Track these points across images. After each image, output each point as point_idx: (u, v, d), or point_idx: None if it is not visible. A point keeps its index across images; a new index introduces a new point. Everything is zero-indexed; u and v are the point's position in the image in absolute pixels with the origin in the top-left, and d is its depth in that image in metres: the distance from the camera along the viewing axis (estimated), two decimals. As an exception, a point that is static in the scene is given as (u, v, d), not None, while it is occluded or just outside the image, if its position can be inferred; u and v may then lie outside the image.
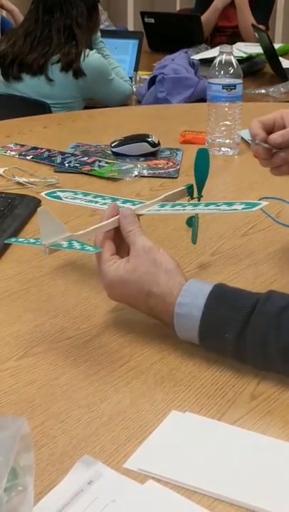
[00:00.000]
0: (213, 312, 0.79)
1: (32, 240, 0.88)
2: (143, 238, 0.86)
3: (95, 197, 1.01)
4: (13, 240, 1.03)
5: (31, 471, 0.56)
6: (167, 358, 0.83)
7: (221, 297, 0.80)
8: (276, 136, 0.97)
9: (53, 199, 1.03)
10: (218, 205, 0.94)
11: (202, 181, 1.01)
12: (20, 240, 0.98)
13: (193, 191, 1.01)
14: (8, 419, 0.58)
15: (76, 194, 1.03)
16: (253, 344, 0.77)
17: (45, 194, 1.05)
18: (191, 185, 1.00)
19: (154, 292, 0.82)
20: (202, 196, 1.01)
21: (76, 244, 0.84)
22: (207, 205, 0.95)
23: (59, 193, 1.03)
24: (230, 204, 0.93)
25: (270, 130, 0.99)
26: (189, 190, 1.00)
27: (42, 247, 0.83)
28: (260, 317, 0.77)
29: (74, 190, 1.06)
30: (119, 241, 0.88)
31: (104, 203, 0.98)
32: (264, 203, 0.93)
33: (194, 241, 1.06)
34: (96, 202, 1.00)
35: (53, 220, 0.84)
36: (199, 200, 1.01)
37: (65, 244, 0.84)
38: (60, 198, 1.02)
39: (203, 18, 3.70)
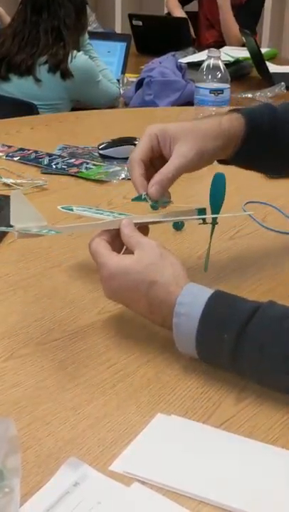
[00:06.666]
0: (213, 311, 0.78)
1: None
2: (148, 238, 0.87)
3: (103, 212, 0.99)
4: None
5: (18, 473, 0.56)
6: (153, 360, 0.84)
7: (223, 299, 0.80)
8: (154, 191, 0.92)
9: (66, 211, 1.01)
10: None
11: (218, 207, 0.97)
12: None
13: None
14: (-5, 420, 0.58)
15: (90, 208, 1.02)
16: (251, 346, 0.76)
17: (61, 207, 1.01)
18: (204, 209, 0.97)
19: (158, 281, 0.81)
20: (218, 223, 0.98)
21: (45, 230, 0.84)
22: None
23: (73, 207, 1.02)
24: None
25: (150, 163, 0.94)
26: (201, 213, 0.97)
27: (12, 230, 0.83)
28: (261, 320, 0.77)
29: (90, 206, 1.03)
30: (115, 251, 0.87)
31: (110, 214, 0.97)
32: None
33: (206, 268, 1.01)
34: (102, 213, 0.98)
35: (27, 206, 0.84)
36: (214, 226, 0.98)
37: (35, 229, 0.84)
38: (72, 210, 1.00)
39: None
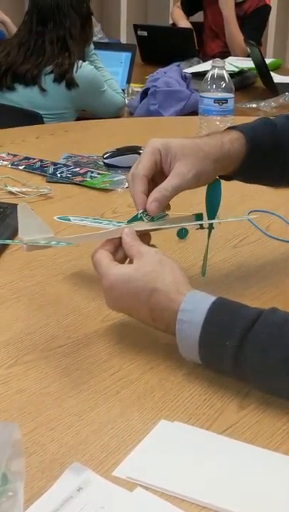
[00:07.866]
0: (215, 318, 0.79)
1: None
2: (148, 247, 0.87)
3: (102, 221, 1.00)
4: None
5: (22, 477, 0.56)
6: (156, 368, 0.84)
7: (225, 306, 0.81)
8: (154, 207, 0.92)
9: (63, 221, 1.01)
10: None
11: (214, 212, 0.99)
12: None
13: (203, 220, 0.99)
14: None
15: (86, 218, 1.02)
16: (253, 351, 0.76)
17: (57, 218, 1.01)
18: (201, 215, 0.99)
19: (159, 288, 0.82)
20: (214, 228, 1.00)
21: (53, 242, 0.85)
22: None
23: (70, 217, 1.02)
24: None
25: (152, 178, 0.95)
26: (198, 219, 0.98)
27: (20, 243, 0.84)
28: (263, 326, 0.77)
29: (85, 216, 1.04)
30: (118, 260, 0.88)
31: (109, 223, 0.97)
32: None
33: (204, 273, 1.03)
34: (101, 222, 0.99)
35: (34, 218, 0.84)
36: (210, 231, 1.00)
37: (43, 241, 0.84)
38: (69, 220, 1.01)
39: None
